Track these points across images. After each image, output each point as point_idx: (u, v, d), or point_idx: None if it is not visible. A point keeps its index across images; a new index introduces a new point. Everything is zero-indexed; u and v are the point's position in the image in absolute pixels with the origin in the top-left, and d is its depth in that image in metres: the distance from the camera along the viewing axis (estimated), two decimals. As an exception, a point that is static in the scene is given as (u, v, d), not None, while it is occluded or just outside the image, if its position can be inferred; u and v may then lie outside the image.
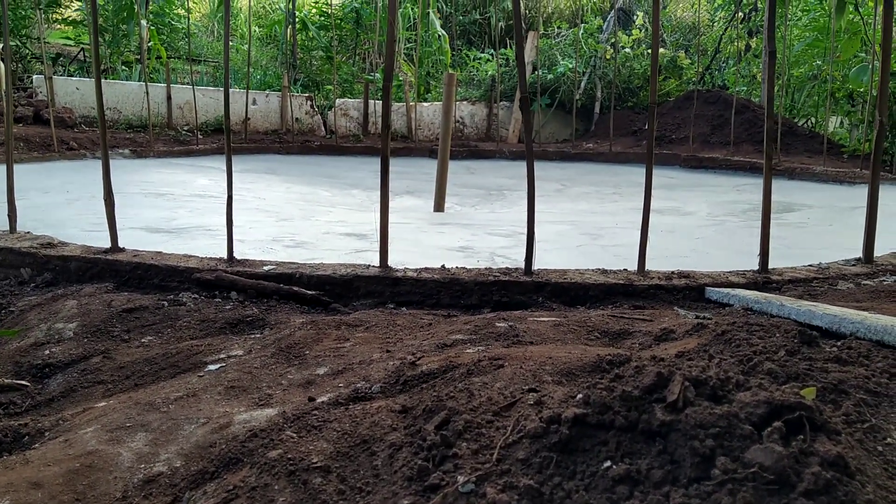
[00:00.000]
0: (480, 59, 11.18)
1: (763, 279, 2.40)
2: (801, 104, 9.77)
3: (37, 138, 7.44)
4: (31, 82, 10.25)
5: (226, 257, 2.35)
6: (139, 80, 8.81)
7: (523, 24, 13.57)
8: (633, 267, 2.54)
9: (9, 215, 2.61)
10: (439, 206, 5.55)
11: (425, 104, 9.69)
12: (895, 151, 6.93)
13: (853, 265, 2.61)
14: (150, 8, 9.50)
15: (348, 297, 2.20)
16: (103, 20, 9.58)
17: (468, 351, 1.53)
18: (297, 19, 9.69)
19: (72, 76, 10.17)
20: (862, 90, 7.72)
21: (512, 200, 6.16)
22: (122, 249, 2.43)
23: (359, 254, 3.01)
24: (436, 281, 2.20)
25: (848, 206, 5.06)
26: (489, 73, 9.93)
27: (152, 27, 9.15)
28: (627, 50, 9.83)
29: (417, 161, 8.58)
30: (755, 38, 9.58)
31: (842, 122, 9.01)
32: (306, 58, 9.97)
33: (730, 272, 2.48)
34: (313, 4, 10.48)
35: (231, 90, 9.01)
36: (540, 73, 9.55)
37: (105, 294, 2.17)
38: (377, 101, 9.24)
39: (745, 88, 9.66)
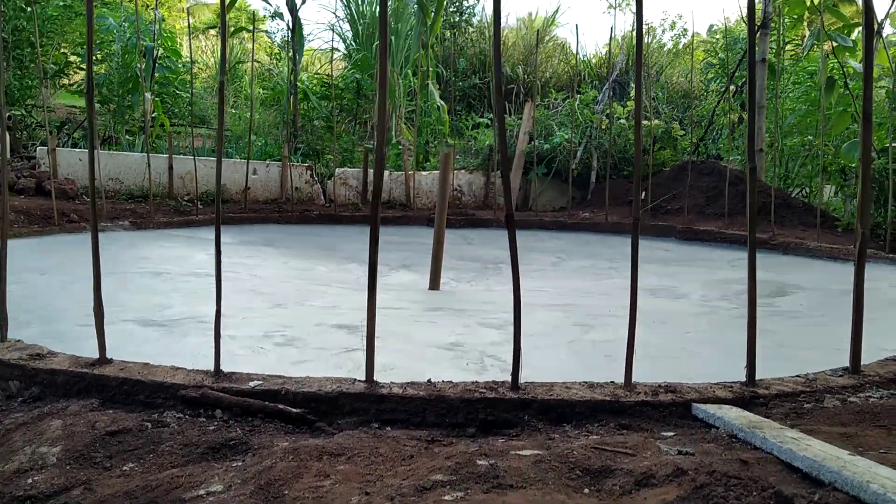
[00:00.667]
0: (480, 124, 11.38)
1: (750, 393, 2.40)
2: (795, 174, 9.89)
3: (38, 211, 7.52)
4: (35, 151, 10.43)
5: (213, 370, 2.36)
6: (142, 151, 8.94)
7: (521, 89, 13.82)
8: (623, 369, 2.55)
9: (1, 327, 2.63)
10: (434, 284, 5.57)
11: (423, 173, 9.82)
12: (886, 226, 6.97)
13: (840, 375, 2.61)
14: (156, 77, 9.69)
15: (333, 414, 2.20)
16: (108, 91, 9.79)
17: (446, 498, 1.53)
18: (298, 90, 9.88)
19: (76, 145, 10.35)
20: (854, 165, 7.83)
21: (507, 275, 6.14)
22: (111, 361, 2.44)
23: (349, 354, 3.01)
24: (421, 398, 2.20)
25: (840, 288, 5.07)
26: (486, 142, 10.10)
27: (156, 98, 9.32)
28: (622, 121, 10.01)
29: (415, 230, 8.65)
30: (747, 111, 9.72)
31: (836, 192, 9.11)
32: (307, 126, 10.14)
33: (716, 384, 2.48)
34: (315, 74, 10.72)
35: (232, 160, 9.18)
36: (537, 143, 9.70)
37: (90, 413, 2.17)
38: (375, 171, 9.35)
39: (740, 158, 9.79)
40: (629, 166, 10.02)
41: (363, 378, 2.36)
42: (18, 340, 2.61)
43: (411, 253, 7.19)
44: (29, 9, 9.46)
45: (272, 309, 4.12)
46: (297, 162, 9.60)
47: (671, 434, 2.18)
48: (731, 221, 8.32)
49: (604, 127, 9.92)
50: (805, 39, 8.78)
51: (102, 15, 11.41)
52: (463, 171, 10.03)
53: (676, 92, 13.60)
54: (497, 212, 9.54)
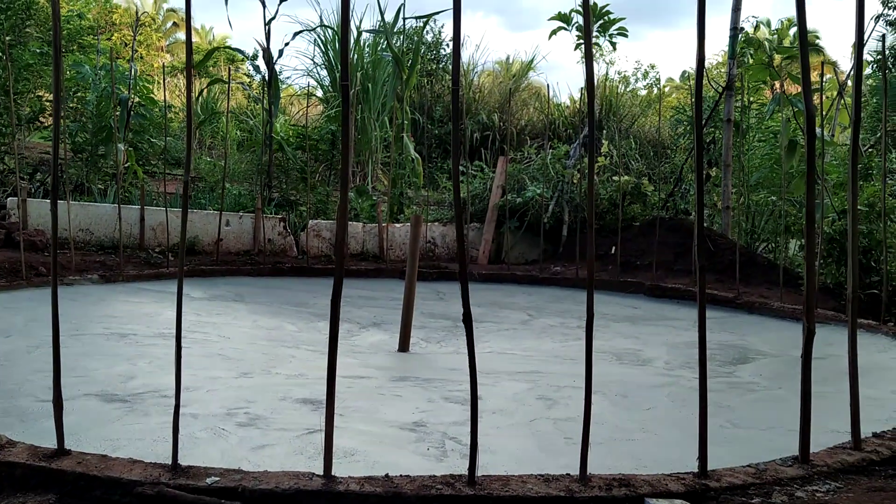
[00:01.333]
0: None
1: (701, 486, 2.45)
2: (762, 229, 10.11)
3: (6, 264, 7.46)
4: (6, 199, 10.36)
5: (170, 463, 2.36)
6: (114, 201, 8.93)
7: (497, 136, 13.96)
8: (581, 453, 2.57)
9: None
10: (404, 346, 5.61)
11: (397, 225, 9.90)
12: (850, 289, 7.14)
13: (790, 465, 2.68)
14: (131, 125, 9.72)
15: (290, 512, 2.21)
16: (82, 139, 9.81)
17: None
18: (273, 141, 9.96)
19: (48, 192, 10.30)
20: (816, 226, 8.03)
21: (478, 336, 6.14)
22: (69, 453, 2.43)
23: (310, 436, 3.02)
24: (378, 496, 2.23)
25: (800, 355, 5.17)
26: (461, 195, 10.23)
27: (129, 148, 9.34)
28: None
29: (387, 283, 8.68)
30: (714, 168, 9.99)
31: (800, 248, 9.31)
32: (281, 177, 10.20)
33: (670, 475, 2.53)
34: (291, 125, 10.83)
35: (205, 211, 9.19)
36: (509, 197, 9.84)
37: (45, 511, 2.17)
38: (350, 222, 9.46)
39: (707, 212, 10.00)
40: (599, 220, 10.18)
41: (321, 471, 2.38)
42: (-25, 429, 2.59)
43: (382, 309, 7.21)
44: (2, 56, 9.49)
45: (237, 379, 4.11)
46: (271, 213, 9.64)
47: (622, 532, 2.22)
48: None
49: (575, 181, 10.10)
50: (769, 103, 9.05)
51: (78, 62, 11.48)
52: (437, 223, 10.13)
53: (648, 142, 13.89)
54: (469, 265, 9.62)
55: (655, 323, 7.04)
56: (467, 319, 2.65)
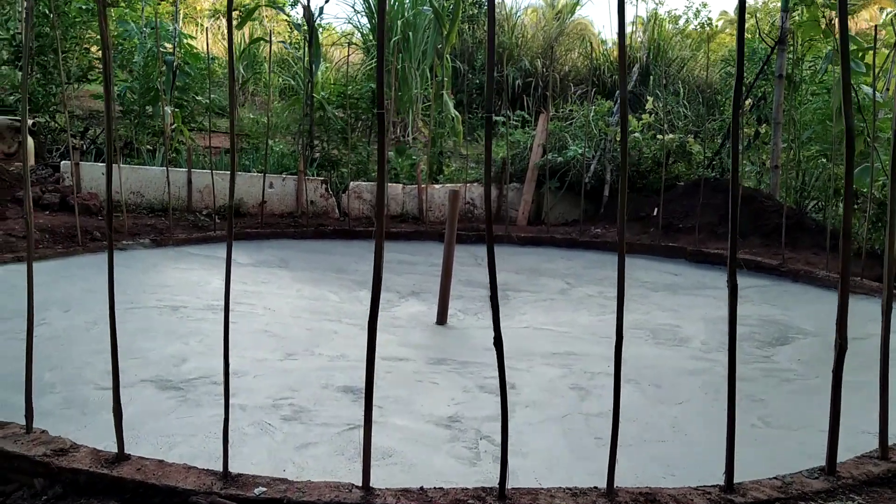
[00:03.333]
0: (496, 122, 11.43)
1: (726, 502, 2.53)
2: (811, 186, 9.88)
3: (62, 229, 7.76)
4: (57, 157, 10.67)
5: (221, 471, 2.53)
6: (162, 163, 9.14)
7: (539, 83, 13.71)
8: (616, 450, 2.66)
9: (26, 415, 2.81)
10: (442, 319, 5.74)
11: (437, 186, 9.94)
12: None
13: (816, 478, 2.73)
14: (176, 84, 9.84)
15: (331, 524, 2.37)
16: (130, 100, 9.99)
17: None
18: (314, 101, 10.00)
19: (99, 150, 10.57)
20: (864, 190, 7.84)
21: (515, 307, 6.32)
22: (128, 458, 2.62)
23: (350, 433, 3.16)
24: (413, 510, 2.36)
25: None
26: (500, 154, 10.19)
27: (175, 109, 9.49)
28: (637, 134, 10.04)
29: (427, 247, 8.78)
30: (764, 126, 9.74)
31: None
32: (323, 136, 10.28)
33: (696, 489, 2.61)
34: (332, 84, 10.84)
35: (249, 174, 9.35)
36: (550, 157, 9.77)
37: (108, 518, 2.36)
38: (390, 184, 9.54)
39: (756, 169, 9.80)
40: (643, 179, 10.07)
41: (360, 473, 2.52)
42: (44, 431, 2.79)
43: (421, 276, 7.34)
44: (52, 15, 9.63)
45: (282, 362, 4.29)
46: (313, 174, 9.76)
47: (645, 549, 2.32)
48: (744, 242, 8.37)
49: (618, 139, 9.96)
50: (822, 61, 8.73)
51: (123, 18, 11.59)
52: (476, 184, 10.14)
53: (697, 87, 13.50)
54: (509, 226, 9.65)
55: (695, 293, 7.03)
56: (497, 343, 2.70)
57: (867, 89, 7.86)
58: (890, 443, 3.00)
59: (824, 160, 8.56)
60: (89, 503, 2.47)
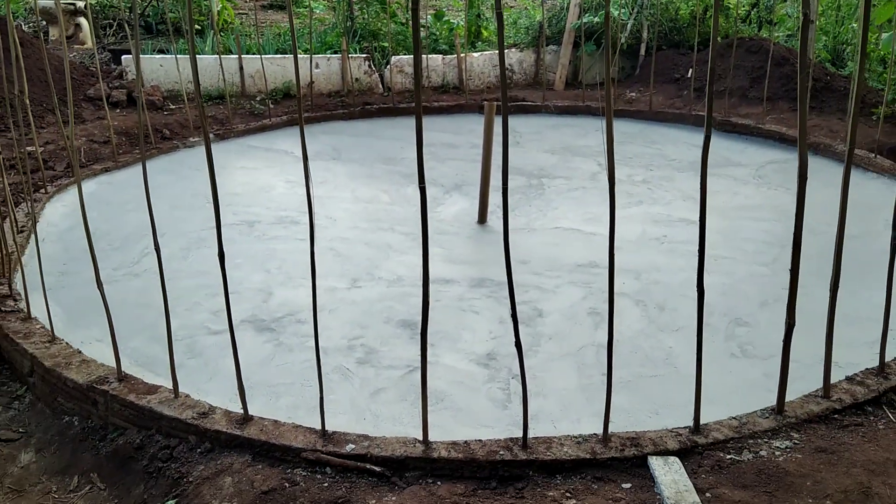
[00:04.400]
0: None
1: (691, 443, 3.40)
2: (846, 41, 9.84)
3: (135, 129, 8.50)
4: (111, 32, 11.13)
5: (320, 429, 3.50)
6: (212, 50, 9.60)
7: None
8: (616, 397, 3.51)
9: (172, 382, 3.78)
10: (482, 218, 6.51)
11: (475, 54, 10.20)
12: None
13: (766, 417, 3.56)
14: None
15: (402, 470, 3.34)
16: (173, -18, 10.27)
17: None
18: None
19: (149, 27, 11.00)
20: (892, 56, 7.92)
21: (548, 199, 7.00)
22: (252, 418, 3.60)
23: (411, 375, 4.09)
24: (460, 461, 3.31)
25: (848, 232, 5.71)
26: (537, 17, 10.27)
27: (219, -10, 9.78)
28: (674, -10, 9.96)
29: (468, 122, 9.30)
30: (803, -23, 9.52)
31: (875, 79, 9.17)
32: (363, 12, 10.47)
33: (670, 431, 3.48)
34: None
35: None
36: (587, 19, 9.85)
37: (247, 469, 3.37)
38: (429, 56, 9.85)
39: (790, 32, 9.71)
40: (679, 34, 10.13)
41: (421, 417, 3.46)
42: (187, 395, 3.78)
43: (464, 163, 7.99)
44: None
45: (350, 291, 5.16)
46: (356, 49, 10.11)
47: (628, 486, 3.26)
48: (772, 107, 8.66)
49: (655, -4, 9.93)
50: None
51: None
52: (514, 49, 10.35)
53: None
54: (546, 90, 10.00)
55: (718, 173, 7.53)
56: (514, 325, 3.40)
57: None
58: (834, 379, 3.79)
59: (854, 25, 8.54)
60: (230, 455, 3.49)
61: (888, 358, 3.87)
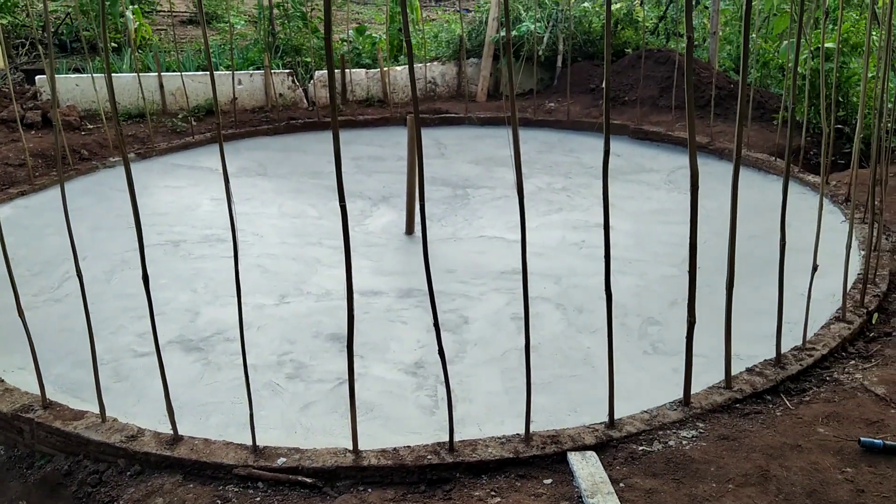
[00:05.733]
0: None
1: (607, 437, 3.61)
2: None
3: (52, 150, 8.33)
4: (23, 52, 10.84)
5: (251, 445, 3.57)
6: (130, 68, 9.48)
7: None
8: (536, 399, 3.69)
9: (99, 406, 3.78)
10: (409, 229, 6.66)
11: (398, 68, 10.36)
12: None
13: (674, 409, 3.81)
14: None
15: (333, 480, 3.45)
16: (87, 1, 10.07)
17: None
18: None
19: (63, 46, 10.76)
20: (791, 64, 8.46)
21: (473, 209, 7.20)
22: (182, 438, 3.63)
23: (341, 388, 4.19)
24: (390, 467, 3.43)
25: (747, 232, 6.06)
26: (457, 32, 10.51)
27: (136, 7, 9.65)
28: (586, 4, 10.35)
29: (394, 135, 9.43)
30: (706, -11, 10.06)
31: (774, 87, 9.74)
32: (284, 21, 10.51)
33: (587, 427, 3.68)
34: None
35: (218, 73, 9.73)
36: (502, 33, 10.13)
37: (179, 489, 3.41)
38: (353, 70, 9.97)
39: (696, 43, 10.21)
40: (593, 46, 10.52)
41: (350, 430, 3.57)
42: (114, 419, 3.79)
43: (390, 175, 8.12)
44: None
45: (278, 307, 5.22)
46: (278, 65, 10.14)
47: (549, 482, 3.44)
48: (681, 115, 9.09)
49: (571, 7, 10.29)
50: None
51: None
52: (436, 62, 10.57)
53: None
54: (468, 102, 10.24)
55: (632, 179, 7.89)
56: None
57: (797, -31, 8.25)
58: (735, 371, 4.08)
59: (753, 35, 9.06)
60: (161, 476, 3.53)
61: (784, 349, 4.20)
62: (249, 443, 3.59)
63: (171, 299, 5.33)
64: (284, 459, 3.51)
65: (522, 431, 3.66)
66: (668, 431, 3.70)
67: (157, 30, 11.52)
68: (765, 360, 4.21)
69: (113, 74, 9.58)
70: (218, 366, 4.49)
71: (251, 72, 9.87)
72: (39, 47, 8.88)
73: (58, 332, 4.83)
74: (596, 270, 5.75)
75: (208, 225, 6.76)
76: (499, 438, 3.66)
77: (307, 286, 5.57)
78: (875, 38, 7.30)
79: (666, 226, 6.54)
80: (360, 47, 10.60)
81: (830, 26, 8.25)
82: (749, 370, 4.15)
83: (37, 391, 3.93)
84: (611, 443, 3.63)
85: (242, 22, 11.79)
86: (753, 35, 8.94)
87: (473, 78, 10.74)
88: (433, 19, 12.85)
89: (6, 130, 8.58)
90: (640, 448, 3.59)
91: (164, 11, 12.02)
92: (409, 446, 3.60)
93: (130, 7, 9.28)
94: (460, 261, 6.00)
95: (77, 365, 4.42)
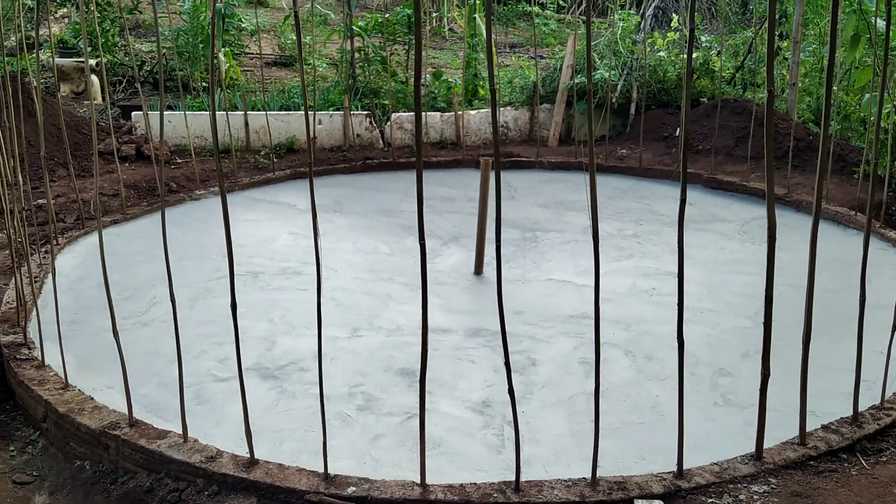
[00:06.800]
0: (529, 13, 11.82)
1: (675, 487, 3.59)
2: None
3: (143, 182, 8.80)
4: (120, 89, 11.54)
5: (323, 472, 3.68)
6: (220, 107, 9.98)
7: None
8: (605, 443, 3.69)
9: (182, 427, 3.97)
10: (478, 269, 6.76)
11: (472, 112, 10.61)
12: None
13: (746, 463, 3.76)
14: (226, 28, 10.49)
15: (399, 512, 3.52)
16: (184, 42, 10.70)
17: None
18: (354, 32, 10.56)
19: (155, 84, 11.39)
20: (873, 118, 8.31)
21: (542, 251, 7.26)
22: (258, 462, 3.78)
23: (410, 422, 4.28)
24: (456, 502, 3.49)
25: (824, 287, 5.95)
26: (531, 78, 10.71)
27: (227, 49, 10.20)
28: (662, 53, 10.41)
29: (465, 177, 9.60)
30: (786, 41, 10.01)
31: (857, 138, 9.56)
32: (364, 65, 10.91)
33: (655, 476, 3.67)
34: (370, 15, 11.28)
35: (300, 112, 10.14)
36: (578, 80, 10.28)
37: (253, 512, 3.55)
38: (428, 113, 10.27)
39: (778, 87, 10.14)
40: (667, 95, 10.55)
41: (419, 465, 3.64)
42: (195, 440, 3.97)
43: (460, 216, 8.25)
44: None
45: (350, 340, 5.37)
46: (357, 106, 10.51)
47: (615, 528, 3.43)
48: (757, 166, 8.99)
49: (646, 55, 10.36)
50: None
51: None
52: (509, 107, 10.78)
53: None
54: (539, 146, 10.38)
55: (705, 228, 7.82)
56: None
57: (880, 22, 8.15)
58: (810, 428, 4.00)
59: (835, 88, 8.94)
60: (237, 498, 3.67)
61: (862, 408, 4.10)
62: (321, 470, 3.70)
63: (250, 328, 5.54)
64: (354, 489, 3.60)
65: (589, 476, 3.67)
66: (739, 485, 3.65)
67: (245, 70, 12.10)
68: (841, 417, 4.12)
69: (204, 113, 10.14)
70: (293, 394, 4.65)
71: (331, 112, 10.25)
72: (137, 85, 9.45)
73: (145, 354, 5.08)
74: (666, 319, 5.72)
75: (286, 258, 7.01)
76: (565, 481, 3.68)
77: (379, 321, 5.72)
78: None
79: (739, 276, 6.47)
80: (436, 91, 10.89)
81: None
82: (825, 427, 4.06)
83: (124, 410, 4.14)
84: (679, 493, 3.60)
85: (324, 65, 12.28)
86: (835, 87, 8.83)
87: (545, 123, 10.88)
88: (507, 65, 13.09)
89: (103, 163, 9.10)
90: (710, 500, 3.55)
91: (253, 54, 12.63)
92: (475, 483, 3.65)
93: (223, 49, 9.82)
94: (529, 303, 6.06)
95: (162, 386, 4.64)
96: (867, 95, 8.25)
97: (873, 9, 8.11)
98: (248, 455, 3.81)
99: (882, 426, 4.03)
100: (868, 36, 8.13)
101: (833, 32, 3.26)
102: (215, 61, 9.43)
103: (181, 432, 3.99)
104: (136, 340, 5.31)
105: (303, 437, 4.18)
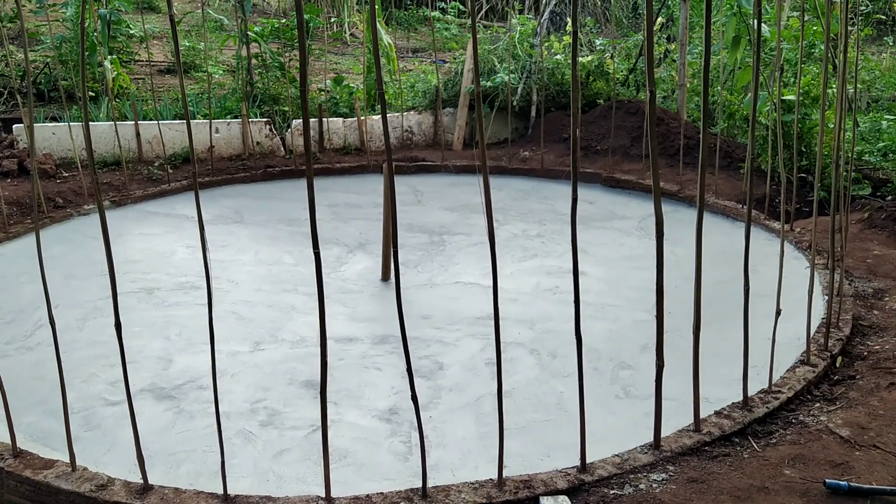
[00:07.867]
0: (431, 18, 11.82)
1: (579, 482, 3.64)
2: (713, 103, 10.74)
3: (27, 199, 8.31)
4: (1, 101, 10.88)
5: (223, 494, 3.54)
6: (107, 116, 9.55)
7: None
8: (510, 443, 3.71)
9: (69, 455, 3.74)
10: (385, 275, 6.70)
11: (375, 117, 10.54)
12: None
13: (645, 453, 3.85)
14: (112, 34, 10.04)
15: (306, 527, 3.42)
16: (67, 50, 10.17)
17: None
18: (249, 38, 10.31)
19: (41, 95, 10.82)
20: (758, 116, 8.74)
21: (449, 255, 7.27)
22: (152, 487, 3.60)
23: (314, 435, 4.19)
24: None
25: (715, 279, 6.15)
26: (433, 82, 10.75)
27: (114, 57, 9.76)
28: (559, 57, 10.65)
29: (371, 182, 9.52)
30: (674, 44, 10.42)
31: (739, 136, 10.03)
32: (262, 72, 10.67)
33: (560, 472, 3.70)
34: (267, 21, 11.05)
35: (195, 121, 9.82)
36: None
37: (149, 539, 3.38)
38: (330, 118, 10.14)
39: (664, 93, 10.57)
40: (566, 97, 10.79)
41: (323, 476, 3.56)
42: (84, 468, 3.75)
43: (367, 222, 8.18)
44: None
45: (252, 354, 5.22)
46: (256, 113, 10.27)
47: (521, 527, 3.44)
48: (652, 163, 9.30)
49: (544, 59, 10.57)
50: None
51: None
52: (413, 112, 10.78)
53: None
54: (445, 150, 10.42)
55: (605, 225, 8.03)
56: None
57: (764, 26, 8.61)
58: (704, 414, 4.14)
59: (718, 88, 9.36)
60: (133, 526, 3.48)
61: (751, 392, 4.27)
62: (220, 491, 3.56)
63: (144, 347, 5.31)
64: (256, 512, 3.49)
65: (496, 476, 3.68)
66: (640, 475, 3.73)
67: (136, 79, 11.63)
68: (732, 403, 4.28)
69: (93, 123, 9.67)
70: (190, 414, 4.47)
71: (229, 120, 9.98)
72: (18, 96, 8.92)
73: (29, 380, 4.78)
74: (569, 316, 5.73)
75: (183, 272, 6.76)
76: (472, 484, 3.67)
77: (282, 333, 5.58)
78: (831, 90, 7.60)
79: (638, 271, 6.66)
80: (338, 96, 10.77)
81: (793, 79, 8.56)
82: (717, 413, 4.21)
83: (7, 440, 3.88)
84: (583, 487, 3.65)
85: (221, 71, 11.95)
86: (719, 87, 9.25)
87: (449, 127, 10.94)
88: (410, 70, 13.10)
89: (-20, 179, 8.56)
90: (612, 492, 3.61)
91: (143, 61, 12.16)
92: (382, 493, 3.59)
93: (109, 57, 9.40)
94: (436, 307, 6.05)
95: (48, 413, 4.38)
96: (749, 94, 8.69)
97: (752, 11, 8.56)
98: (142, 481, 3.63)
99: (771, 409, 4.21)
100: (748, 37, 8.57)
101: (707, 35, 3.39)
102: (100, 69, 9.05)
103: (69, 461, 3.77)
104: (20, 366, 5.00)
105: (201, 459, 4.02)
